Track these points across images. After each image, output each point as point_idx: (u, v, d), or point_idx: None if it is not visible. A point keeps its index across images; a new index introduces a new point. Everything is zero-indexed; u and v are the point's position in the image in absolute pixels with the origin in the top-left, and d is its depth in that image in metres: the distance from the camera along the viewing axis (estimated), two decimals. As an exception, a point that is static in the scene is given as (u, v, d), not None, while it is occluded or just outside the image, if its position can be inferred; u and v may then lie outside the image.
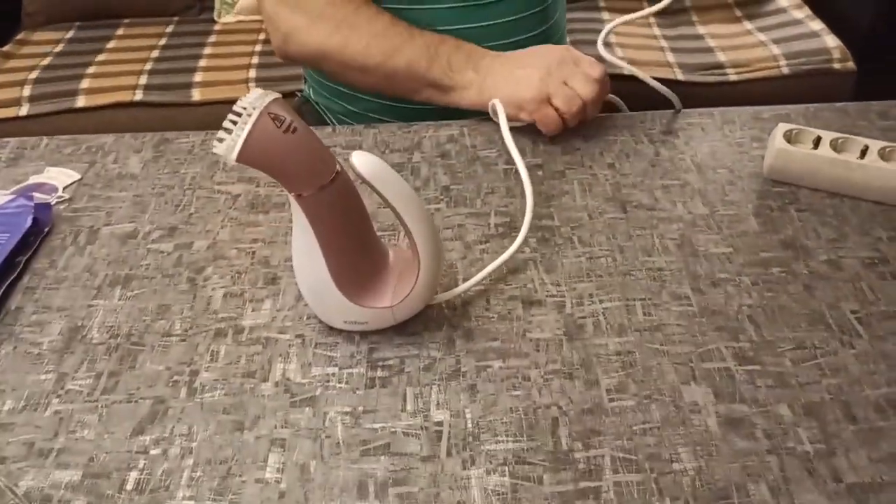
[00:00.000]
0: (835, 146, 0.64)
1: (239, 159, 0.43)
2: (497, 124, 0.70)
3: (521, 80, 0.70)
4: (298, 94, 1.04)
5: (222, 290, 0.57)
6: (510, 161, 0.66)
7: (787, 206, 0.64)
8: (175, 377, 0.50)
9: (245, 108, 0.43)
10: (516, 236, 0.59)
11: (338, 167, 0.46)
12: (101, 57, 1.55)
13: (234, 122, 0.43)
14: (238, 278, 0.58)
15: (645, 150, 0.71)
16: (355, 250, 0.49)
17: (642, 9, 0.77)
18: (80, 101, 1.40)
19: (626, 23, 0.76)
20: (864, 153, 0.63)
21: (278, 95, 0.45)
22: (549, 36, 0.86)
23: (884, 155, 0.63)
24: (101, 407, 0.48)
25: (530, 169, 0.68)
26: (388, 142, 0.73)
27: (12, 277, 0.58)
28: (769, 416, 0.47)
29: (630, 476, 0.43)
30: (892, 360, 0.50)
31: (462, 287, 0.54)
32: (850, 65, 1.52)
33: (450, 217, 0.63)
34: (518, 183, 0.66)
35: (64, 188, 0.67)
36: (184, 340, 0.53)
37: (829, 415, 0.46)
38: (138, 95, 1.39)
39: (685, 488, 0.43)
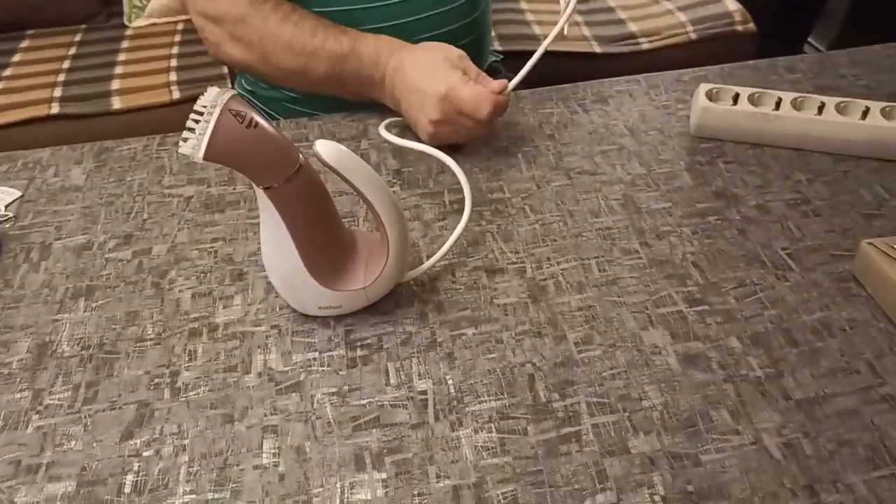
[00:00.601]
0: (752, 100, 0.70)
1: (206, 157, 0.43)
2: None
3: (416, 123, 0.70)
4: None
5: (190, 291, 0.57)
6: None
7: (715, 160, 0.69)
8: (156, 380, 0.51)
9: (206, 107, 0.44)
10: (473, 210, 0.61)
11: (301, 158, 0.48)
12: (7, 72, 1.48)
13: (197, 122, 0.44)
14: (204, 278, 0.58)
15: (580, 119, 0.75)
16: (325, 237, 0.51)
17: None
18: (-9, 120, 1.33)
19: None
20: (778, 105, 0.69)
21: (235, 92, 0.45)
22: (476, 27, 0.88)
23: (796, 105, 0.68)
24: (85, 417, 0.48)
25: (474, 146, 0.71)
26: (333, 132, 0.74)
27: (-34, 301, 0.56)
28: (721, 349, 0.51)
29: (605, 417, 0.47)
30: (822, 288, 0.55)
31: (428, 263, 0.57)
32: (751, 26, 1.62)
33: (405, 199, 0.65)
34: (467, 159, 0.69)
35: (6, 206, 0.65)
36: (158, 344, 0.53)
37: (774, 342, 0.51)
38: (55, 108, 1.34)
39: (655, 422, 0.47)
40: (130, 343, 0.53)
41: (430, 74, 0.68)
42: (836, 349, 0.51)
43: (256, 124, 0.45)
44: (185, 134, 0.43)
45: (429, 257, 0.58)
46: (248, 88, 0.95)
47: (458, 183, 0.66)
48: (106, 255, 0.61)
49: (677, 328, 0.53)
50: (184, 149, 0.43)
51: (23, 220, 0.64)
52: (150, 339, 0.53)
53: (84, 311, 0.56)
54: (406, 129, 0.73)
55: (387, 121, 0.71)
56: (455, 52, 0.70)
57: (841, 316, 0.53)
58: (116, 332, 0.54)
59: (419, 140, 0.68)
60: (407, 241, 0.53)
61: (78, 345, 0.53)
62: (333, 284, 0.52)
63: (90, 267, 0.60)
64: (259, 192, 0.47)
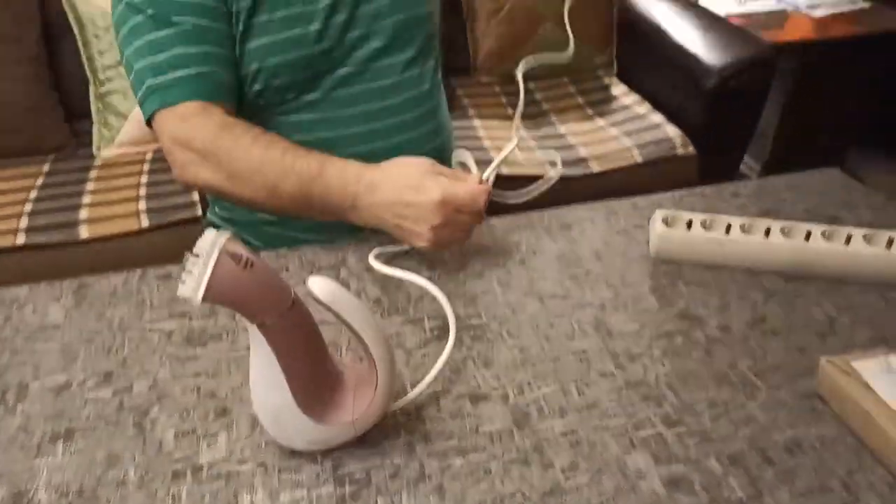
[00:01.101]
0: (704, 225, 0.75)
1: (204, 299, 0.45)
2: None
3: (411, 236, 0.71)
4: (203, 220, 1.05)
5: (172, 430, 0.57)
6: (430, 267, 0.72)
7: (676, 281, 0.73)
8: (138, 527, 0.49)
9: (204, 250, 0.46)
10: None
11: (293, 294, 0.50)
12: (-28, 202, 1.48)
13: (194, 264, 0.45)
14: (187, 415, 0.58)
15: (548, 245, 0.79)
16: (315, 372, 0.52)
17: (506, 116, 0.87)
18: (-47, 250, 1.32)
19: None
20: (728, 229, 0.74)
21: (230, 234, 0.48)
22: (441, 151, 0.94)
23: (745, 229, 0.74)
24: (64, 572, 0.46)
25: (450, 273, 0.74)
26: (313, 261, 0.77)
27: (-64, 449, 0.54)
28: (702, 470, 0.53)
29: (598, 547, 0.47)
30: (789, 406, 0.58)
31: (414, 392, 0.58)
32: (691, 149, 1.75)
33: (386, 327, 0.67)
34: (445, 285, 0.72)
35: (-19, 347, 0.65)
36: (140, 488, 0.52)
37: (751, 461, 0.53)
38: (20, 239, 1.34)
39: (647, 549, 0.47)
40: (111, 489, 0.52)
41: (417, 185, 0.70)
42: (809, 467, 0.53)
43: (252, 264, 0.47)
44: (183, 276, 0.45)
45: (412, 385, 0.59)
46: (223, 216, 0.98)
47: (438, 309, 0.69)
48: (86, 395, 0.60)
49: (658, 451, 0.54)
50: (182, 291, 0.45)
51: (-2, 361, 0.64)
52: (132, 484, 0.52)
53: (62, 456, 0.54)
54: (393, 258, 0.75)
55: (376, 250, 0.73)
56: (427, 161, 0.74)
57: (810, 433, 0.56)
58: (96, 477, 0.53)
59: (410, 263, 0.71)
60: (394, 374, 0.54)
61: (56, 492, 0.52)
62: (322, 418, 0.52)
63: (69, 408, 0.59)
64: (252, 328, 0.48)
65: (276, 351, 0.49)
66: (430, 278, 0.67)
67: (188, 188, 0.84)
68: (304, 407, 0.51)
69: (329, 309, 0.49)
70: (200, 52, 0.78)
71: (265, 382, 0.51)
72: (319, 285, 0.49)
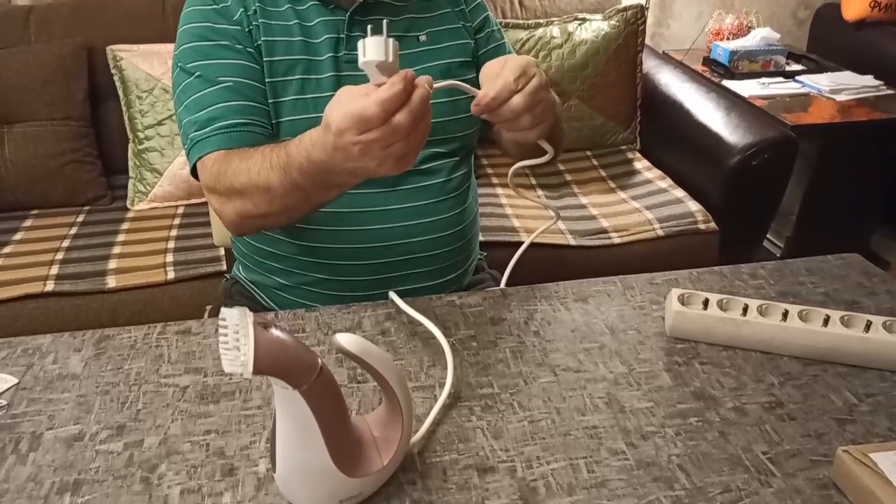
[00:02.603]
0: (721, 306, 0.75)
1: (255, 372, 0.46)
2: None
3: (360, 171, 0.65)
4: (226, 276, 1.07)
5: (178, 487, 0.57)
6: (446, 335, 0.72)
7: (691, 360, 0.72)
8: (137, 586, 0.49)
9: (234, 326, 0.46)
10: (463, 405, 0.64)
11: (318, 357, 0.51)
12: (7, 249, 1.52)
13: (230, 340, 0.46)
14: (194, 473, 0.58)
15: (563, 316, 0.79)
16: (347, 428, 0.53)
17: (529, 185, 0.89)
18: (-16, 295, 1.36)
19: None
20: (745, 311, 0.74)
21: (246, 310, 0.49)
22: (465, 217, 0.96)
23: (762, 311, 0.74)
24: None
25: (464, 340, 0.75)
26: (329, 323, 0.78)
27: (-53, 495, 0.55)
28: (713, 558, 0.51)
29: None
30: (805, 494, 0.57)
31: (428, 420, 0.61)
32: (713, 225, 1.75)
33: (397, 393, 0.67)
34: (457, 353, 0.72)
35: (1, 394, 0.66)
36: (142, 545, 0.52)
37: (764, 551, 0.52)
38: (49, 286, 1.37)
39: None
40: (113, 544, 0.52)
41: (325, 124, 0.64)
42: (825, 561, 0.51)
43: (283, 330, 0.48)
44: (224, 353, 0.46)
45: (419, 453, 0.59)
46: (245, 276, 1.00)
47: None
48: (97, 447, 0.60)
49: (668, 535, 0.53)
50: (230, 367, 0.46)
51: (16, 409, 0.65)
52: (135, 540, 0.52)
53: (68, 508, 0.55)
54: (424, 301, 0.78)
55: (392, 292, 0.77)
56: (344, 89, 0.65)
57: (826, 525, 0.54)
58: (100, 532, 0.53)
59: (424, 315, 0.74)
60: (412, 413, 0.57)
61: (58, 545, 0.52)
62: (355, 472, 0.53)
63: (79, 459, 0.59)
64: (282, 393, 0.49)
65: (315, 413, 0.50)
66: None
67: (239, 234, 0.87)
68: (339, 465, 0.52)
69: (358, 360, 0.51)
70: (240, 105, 0.83)
71: (299, 446, 0.51)
72: (346, 340, 0.51)
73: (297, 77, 0.86)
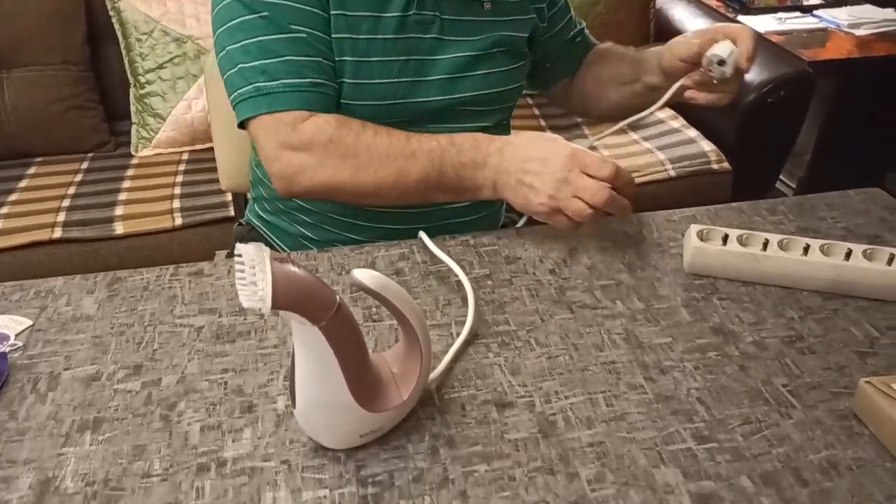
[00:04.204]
0: (741, 241, 0.74)
1: (274, 307, 0.45)
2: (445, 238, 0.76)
3: (530, 193, 0.74)
4: (240, 221, 1.06)
5: (199, 424, 0.57)
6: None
7: (710, 296, 0.72)
8: (162, 519, 0.49)
9: (251, 261, 0.45)
10: (480, 342, 0.63)
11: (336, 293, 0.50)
12: (13, 196, 1.51)
13: (247, 276, 0.45)
14: (213, 410, 0.58)
15: (579, 255, 0.78)
16: (366, 364, 0.53)
17: (621, 129, 0.95)
18: (-6, 242, 1.35)
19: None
20: (765, 246, 0.73)
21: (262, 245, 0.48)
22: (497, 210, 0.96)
23: (783, 246, 0.72)
24: (87, 560, 0.47)
25: (479, 279, 0.74)
26: (342, 264, 0.77)
27: (-31, 433, 0.55)
28: (733, 488, 0.51)
29: (623, 561, 0.46)
30: (825, 426, 0.56)
31: (447, 357, 0.61)
32: (726, 164, 1.72)
33: (413, 331, 0.67)
34: (473, 291, 0.71)
35: (16, 336, 0.66)
36: (165, 480, 0.52)
37: (784, 481, 0.52)
38: (57, 233, 1.37)
39: (674, 566, 0.46)
40: (136, 479, 0.52)
41: (551, 144, 0.74)
42: (845, 490, 0.51)
43: (299, 266, 0.47)
44: (241, 289, 0.45)
45: (437, 389, 0.59)
46: (265, 222, 0.98)
47: (464, 315, 0.68)
48: (115, 386, 0.60)
49: (688, 466, 0.53)
50: (249, 303, 0.45)
51: (32, 350, 0.65)
52: (157, 475, 0.52)
53: (90, 445, 0.55)
54: (438, 240, 0.77)
55: (423, 232, 0.78)
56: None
57: (847, 455, 0.54)
58: (122, 468, 0.53)
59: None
60: (431, 348, 0.56)
61: (82, 481, 0.52)
62: (374, 407, 0.53)
63: (98, 398, 0.59)
64: (301, 329, 0.48)
65: (335, 349, 0.49)
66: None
67: (292, 196, 0.82)
68: (359, 400, 0.51)
69: (376, 295, 0.50)
70: (314, 63, 0.78)
71: (319, 381, 0.51)
72: (364, 275, 0.50)
73: (361, 37, 0.80)
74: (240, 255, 0.46)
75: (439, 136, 0.78)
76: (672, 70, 0.89)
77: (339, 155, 0.76)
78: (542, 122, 1.97)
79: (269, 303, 0.44)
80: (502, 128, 0.96)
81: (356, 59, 0.80)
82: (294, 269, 0.47)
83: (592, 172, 0.72)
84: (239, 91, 0.78)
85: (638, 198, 0.75)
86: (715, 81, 0.85)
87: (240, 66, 0.77)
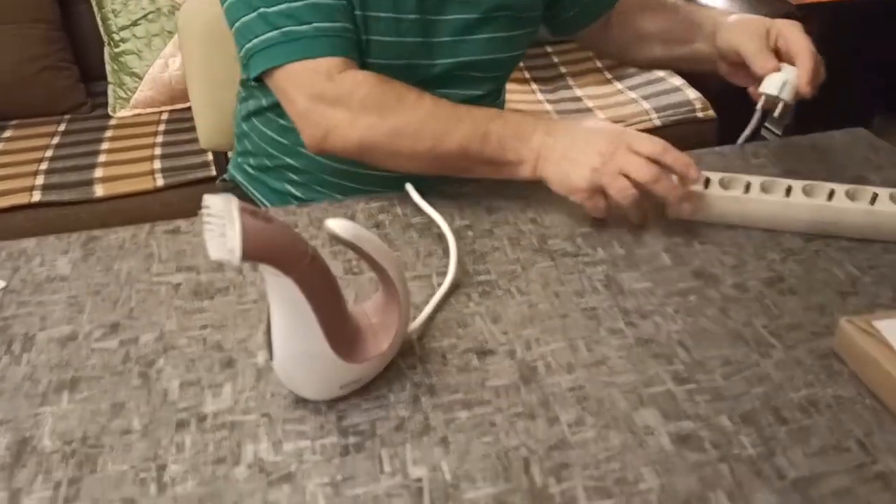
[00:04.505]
0: (722, 184, 0.73)
1: (244, 258, 0.44)
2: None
3: (572, 168, 0.69)
4: (224, 178, 1.04)
5: (178, 381, 0.56)
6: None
7: (692, 241, 0.71)
8: (142, 474, 0.49)
9: (219, 212, 0.44)
10: (461, 292, 0.63)
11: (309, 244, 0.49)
12: (-11, 161, 1.49)
13: (215, 226, 0.44)
14: (192, 366, 0.58)
15: (560, 203, 0.77)
16: (343, 315, 0.52)
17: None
18: (-30, 208, 1.33)
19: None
20: (748, 188, 0.72)
21: (231, 196, 0.46)
22: None
23: (765, 188, 0.72)
24: (68, 516, 0.46)
25: (460, 230, 0.73)
26: (321, 218, 0.76)
27: (-55, 395, 0.55)
28: (712, 427, 0.52)
29: (603, 502, 0.47)
30: (805, 365, 0.57)
31: (428, 307, 0.61)
32: (711, 112, 1.71)
33: (393, 283, 0.66)
34: (455, 243, 0.70)
35: (-11, 297, 0.65)
36: (145, 436, 0.52)
37: (763, 420, 0.52)
38: (36, 196, 1.35)
39: (653, 505, 0.46)
40: (115, 436, 0.52)
41: (599, 123, 0.72)
42: (824, 427, 0.51)
43: (270, 218, 0.46)
44: (209, 240, 0.44)
45: (418, 339, 0.59)
46: (250, 179, 0.96)
47: (445, 266, 0.68)
48: (91, 346, 0.60)
49: (668, 408, 0.53)
50: (217, 254, 0.44)
51: (5, 311, 0.64)
52: (137, 432, 0.52)
53: (67, 404, 0.55)
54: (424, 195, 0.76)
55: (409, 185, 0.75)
56: None
57: (826, 393, 0.54)
58: (101, 426, 0.53)
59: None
60: (409, 298, 0.56)
61: (60, 439, 0.52)
62: (354, 358, 0.52)
63: (75, 358, 0.59)
64: (274, 281, 0.48)
65: (310, 300, 0.48)
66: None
67: (322, 153, 0.77)
68: (338, 351, 0.51)
69: (351, 245, 0.49)
70: (341, 6, 0.74)
71: (295, 334, 0.50)
72: (338, 225, 0.49)
73: None
74: (207, 207, 0.44)
75: (485, 108, 0.75)
76: (727, 56, 0.84)
77: (379, 113, 0.71)
78: (526, 74, 1.93)
79: (238, 253, 0.43)
80: (496, 94, 0.94)
81: (364, 13, 0.77)
82: (264, 219, 0.46)
83: (641, 149, 0.68)
84: (261, 37, 0.72)
85: (698, 175, 0.70)
86: (775, 115, 0.79)
87: (260, 10, 0.72)
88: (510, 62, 0.92)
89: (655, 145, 0.68)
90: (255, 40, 0.73)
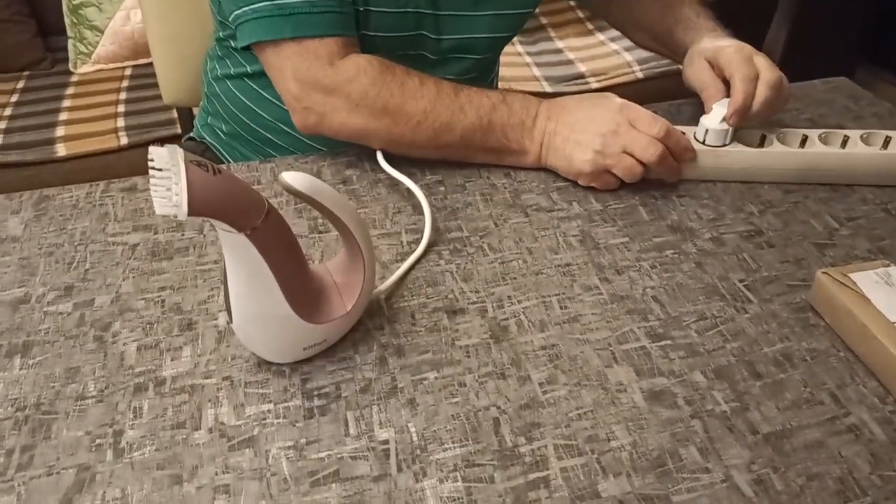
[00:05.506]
0: (699, 136, 0.71)
1: (190, 213, 0.41)
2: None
3: (576, 151, 0.68)
4: (191, 136, 1.00)
5: (135, 344, 0.54)
6: (413, 180, 0.68)
7: (669, 195, 0.69)
8: (98, 440, 0.47)
9: (165, 164, 0.41)
10: (432, 250, 0.61)
11: (266, 199, 0.46)
12: (-56, 120, 1.43)
13: (161, 180, 0.41)
14: (150, 329, 0.55)
15: (535, 156, 0.75)
16: (304, 274, 0.50)
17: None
18: (-74, 169, 1.28)
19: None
20: (725, 138, 0.70)
21: (179, 147, 0.43)
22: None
23: (740, 139, 0.70)
24: (19, 486, 0.45)
25: (432, 185, 0.71)
26: (286, 174, 0.73)
27: None
28: (686, 384, 0.51)
29: (573, 460, 0.46)
30: (781, 318, 0.56)
31: (398, 272, 0.57)
32: (694, 65, 1.68)
33: (361, 240, 0.64)
34: (425, 198, 0.68)
35: (-65, 260, 0.62)
36: (101, 401, 0.50)
37: (737, 375, 0.51)
38: (-6, 156, 1.29)
39: (625, 462, 0.45)
40: (70, 402, 0.50)
41: (600, 100, 0.70)
42: (798, 380, 0.51)
43: (220, 171, 0.43)
44: (156, 194, 0.41)
45: (386, 299, 0.57)
46: (221, 136, 0.92)
47: (415, 223, 0.65)
48: (45, 309, 0.57)
49: (641, 364, 0.52)
50: (163, 209, 0.41)
51: (-47, 274, 0.61)
52: (92, 397, 0.50)
53: (20, 370, 0.52)
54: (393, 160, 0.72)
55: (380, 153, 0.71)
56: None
57: (801, 346, 0.53)
58: (55, 391, 0.51)
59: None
60: (374, 256, 0.53)
61: (12, 406, 0.50)
62: (317, 318, 0.50)
63: (27, 321, 0.56)
64: (229, 239, 0.45)
65: (266, 258, 0.46)
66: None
67: (311, 134, 0.73)
68: (299, 311, 0.49)
69: (308, 198, 0.46)
70: None
71: (253, 294, 0.48)
72: (293, 178, 0.46)
73: None
74: (153, 159, 0.42)
75: (489, 91, 0.71)
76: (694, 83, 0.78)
77: (381, 104, 0.68)
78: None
79: (184, 208, 0.41)
80: (490, 66, 0.91)
81: None
82: (213, 171, 0.43)
83: (643, 127, 0.66)
84: (252, 6, 0.67)
85: (693, 157, 0.69)
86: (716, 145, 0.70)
87: None
88: (504, 41, 0.88)
89: (657, 125, 0.67)
90: (246, 8, 0.68)
